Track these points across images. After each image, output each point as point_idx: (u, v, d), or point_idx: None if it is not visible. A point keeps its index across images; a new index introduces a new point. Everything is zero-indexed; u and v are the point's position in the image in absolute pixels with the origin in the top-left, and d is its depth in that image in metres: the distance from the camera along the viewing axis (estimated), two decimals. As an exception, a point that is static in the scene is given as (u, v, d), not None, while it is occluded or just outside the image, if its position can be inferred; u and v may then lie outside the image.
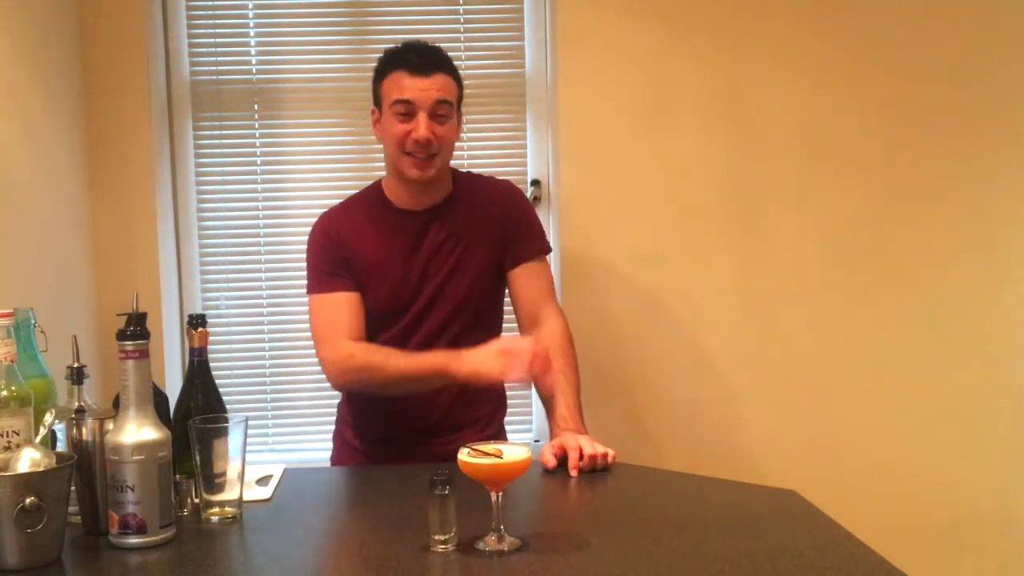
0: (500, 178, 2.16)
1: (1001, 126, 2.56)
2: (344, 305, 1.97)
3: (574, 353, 2.01)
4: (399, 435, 2.01)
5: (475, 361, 1.81)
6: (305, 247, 1.99)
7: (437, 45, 2.01)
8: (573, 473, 1.72)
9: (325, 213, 2.08)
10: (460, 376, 1.82)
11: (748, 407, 2.57)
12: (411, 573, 1.27)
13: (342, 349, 1.93)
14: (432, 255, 2.00)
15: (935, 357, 2.58)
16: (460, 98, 2.02)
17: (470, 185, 2.10)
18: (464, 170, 2.17)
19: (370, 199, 2.07)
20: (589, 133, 2.53)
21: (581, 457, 1.73)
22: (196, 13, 2.57)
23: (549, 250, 2.11)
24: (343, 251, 1.99)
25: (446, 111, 1.95)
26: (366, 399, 2.04)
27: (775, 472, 2.47)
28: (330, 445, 2.17)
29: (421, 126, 1.91)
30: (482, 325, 2.02)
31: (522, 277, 2.05)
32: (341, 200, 2.12)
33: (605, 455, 1.75)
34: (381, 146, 2.04)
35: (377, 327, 2.00)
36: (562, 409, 1.89)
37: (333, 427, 2.20)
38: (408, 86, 1.92)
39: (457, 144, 2.04)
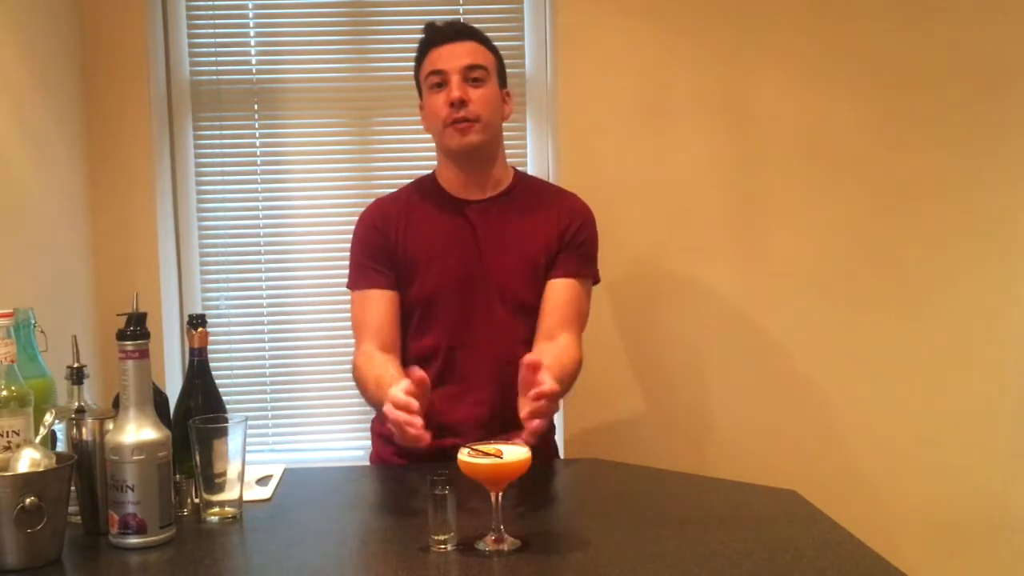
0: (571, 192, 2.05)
1: (1004, 129, 2.55)
2: (374, 304, 1.91)
3: (573, 376, 1.86)
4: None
5: (387, 406, 1.58)
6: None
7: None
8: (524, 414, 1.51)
9: (375, 201, 2.02)
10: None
11: (748, 407, 2.57)
12: (411, 573, 1.27)
13: (357, 356, 1.90)
14: (486, 249, 1.91)
15: (935, 357, 2.58)
16: (499, 69, 1.96)
17: (535, 186, 2.04)
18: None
19: (423, 187, 2.00)
20: (589, 133, 2.53)
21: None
22: (196, 13, 2.57)
23: (598, 279, 2.01)
24: (388, 242, 1.93)
25: (480, 75, 1.89)
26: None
27: (775, 472, 2.46)
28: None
29: (453, 87, 1.86)
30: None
31: (557, 289, 1.92)
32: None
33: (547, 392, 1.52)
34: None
35: (427, 320, 1.92)
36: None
37: (370, 424, 2.08)
38: (435, 57, 1.90)
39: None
